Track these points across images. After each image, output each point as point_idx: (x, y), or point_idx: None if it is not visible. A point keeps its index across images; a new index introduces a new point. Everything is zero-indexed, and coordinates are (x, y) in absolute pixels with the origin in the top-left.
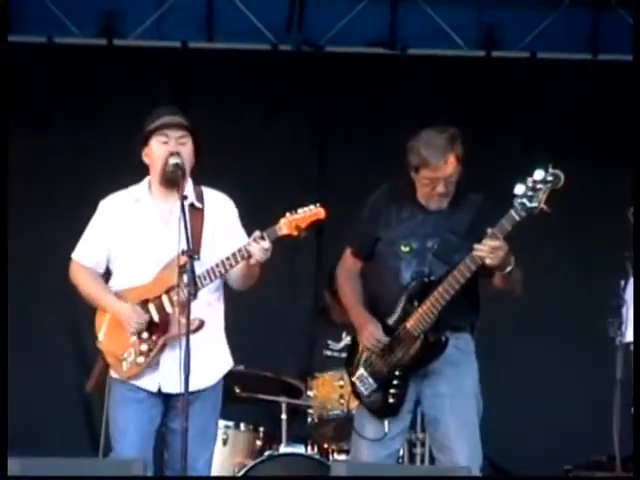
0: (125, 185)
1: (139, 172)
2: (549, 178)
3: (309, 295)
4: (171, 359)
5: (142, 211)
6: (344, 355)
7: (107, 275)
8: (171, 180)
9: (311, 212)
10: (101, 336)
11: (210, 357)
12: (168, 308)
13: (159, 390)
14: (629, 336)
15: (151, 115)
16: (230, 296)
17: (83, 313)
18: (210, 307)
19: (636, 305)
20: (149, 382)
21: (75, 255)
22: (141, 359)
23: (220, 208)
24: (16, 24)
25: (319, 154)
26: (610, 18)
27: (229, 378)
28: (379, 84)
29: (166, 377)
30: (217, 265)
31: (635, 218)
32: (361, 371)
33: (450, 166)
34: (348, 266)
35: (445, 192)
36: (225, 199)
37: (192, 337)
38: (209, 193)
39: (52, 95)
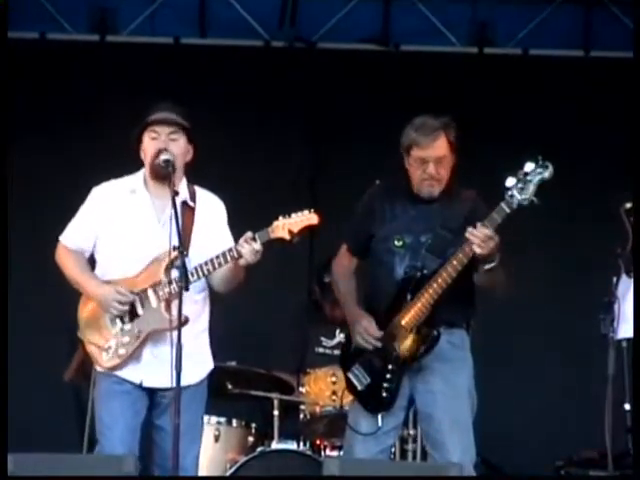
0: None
1: (134, 167)
2: (539, 170)
3: (302, 291)
4: (152, 354)
5: (137, 203)
6: (337, 352)
7: (92, 264)
8: (161, 175)
9: (304, 217)
10: (83, 326)
11: (194, 355)
12: (153, 302)
13: (141, 385)
14: (621, 333)
15: (148, 110)
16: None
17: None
18: (195, 305)
19: (636, 303)
20: (132, 374)
21: (62, 237)
22: (122, 350)
23: (211, 209)
24: (9, 20)
25: (312, 150)
26: (602, 15)
27: (221, 374)
28: (372, 81)
29: (147, 372)
30: (206, 263)
31: (635, 218)
32: (355, 366)
33: (440, 147)
34: (344, 263)
35: (435, 174)
36: (217, 201)
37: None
38: (202, 193)
39: (44, 91)
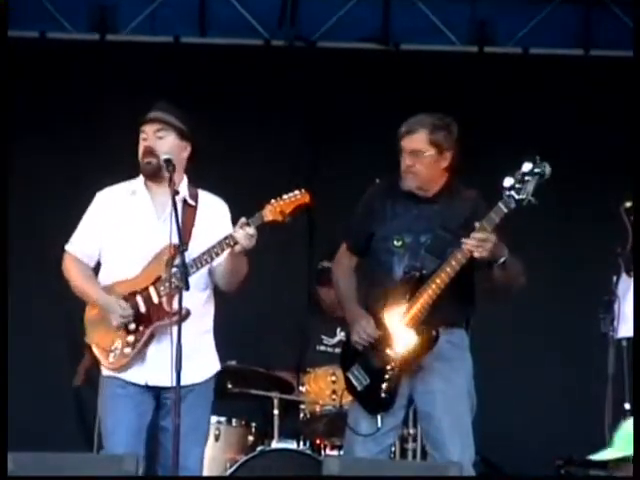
0: (119, 180)
1: (133, 167)
2: (537, 170)
3: (302, 290)
4: (157, 352)
5: (137, 203)
6: (337, 350)
7: (97, 267)
8: (150, 175)
9: (296, 197)
10: (89, 330)
11: (197, 354)
12: (155, 299)
13: (147, 384)
14: (621, 332)
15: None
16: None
17: (79, 309)
18: (199, 304)
19: (636, 302)
20: (136, 375)
21: (68, 247)
22: (128, 350)
23: (214, 209)
24: (9, 19)
25: (312, 149)
26: (602, 14)
27: (221, 373)
28: (372, 80)
29: (153, 370)
30: (203, 254)
31: (635, 217)
32: (355, 366)
33: (415, 141)
34: (343, 262)
35: (410, 165)
36: (220, 202)
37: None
38: (204, 195)
39: (44, 90)
